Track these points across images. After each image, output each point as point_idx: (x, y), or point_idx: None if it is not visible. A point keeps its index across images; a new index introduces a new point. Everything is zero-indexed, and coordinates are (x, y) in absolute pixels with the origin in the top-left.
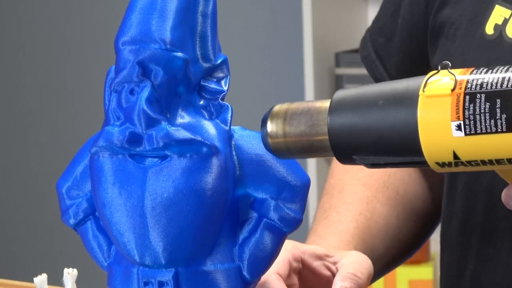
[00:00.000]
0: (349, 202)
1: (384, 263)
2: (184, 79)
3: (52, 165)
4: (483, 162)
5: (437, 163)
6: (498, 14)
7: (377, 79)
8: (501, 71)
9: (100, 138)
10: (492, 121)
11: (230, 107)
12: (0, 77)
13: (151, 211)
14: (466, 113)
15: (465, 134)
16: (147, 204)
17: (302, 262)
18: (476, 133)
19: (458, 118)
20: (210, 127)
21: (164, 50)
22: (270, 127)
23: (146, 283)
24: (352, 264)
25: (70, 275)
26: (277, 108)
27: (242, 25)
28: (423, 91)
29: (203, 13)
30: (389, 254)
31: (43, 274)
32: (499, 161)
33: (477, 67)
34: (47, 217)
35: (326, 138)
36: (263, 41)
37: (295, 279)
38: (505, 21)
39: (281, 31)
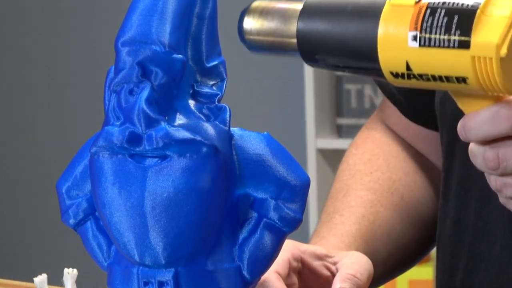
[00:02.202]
0: (353, 205)
1: (387, 267)
2: (180, 82)
3: (52, 165)
4: (434, 78)
5: (391, 73)
6: None
7: (382, 86)
8: None
9: (100, 138)
10: (446, 36)
11: (228, 108)
12: (0, 77)
13: (151, 211)
14: (424, 25)
15: (419, 45)
16: (147, 204)
17: (302, 262)
18: (429, 46)
19: (416, 29)
20: (209, 128)
21: (164, 52)
22: (246, 22)
23: (146, 283)
24: (352, 264)
25: (70, 275)
26: (255, 3)
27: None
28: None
29: (199, 15)
30: (392, 258)
31: (43, 274)
32: (448, 78)
33: None
34: (47, 217)
35: (294, 38)
36: None
37: (294, 279)
38: None
39: None
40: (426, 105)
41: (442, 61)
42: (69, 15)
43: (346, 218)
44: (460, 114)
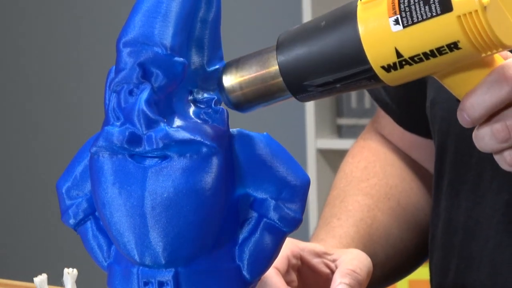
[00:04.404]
0: (350, 209)
1: (385, 271)
2: (181, 85)
3: (52, 165)
4: (426, 56)
5: (383, 68)
6: None
7: (376, 96)
8: None
9: (100, 138)
10: (427, 7)
11: (224, 109)
12: (0, 77)
13: (151, 211)
14: (402, 6)
15: (403, 27)
16: (147, 204)
17: (301, 259)
18: (413, 23)
19: (395, 13)
20: (208, 128)
21: (166, 54)
22: (226, 81)
23: (146, 283)
24: (351, 261)
25: (70, 275)
26: (229, 61)
27: (242, 25)
28: (360, 1)
29: (202, 19)
30: (391, 262)
31: (43, 274)
32: (440, 51)
33: None
34: (47, 217)
35: (278, 77)
36: (263, 41)
37: (293, 276)
38: None
39: (281, 31)
40: (419, 112)
41: (430, 32)
42: (70, 14)
43: (344, 221)
44: (448, 115)
